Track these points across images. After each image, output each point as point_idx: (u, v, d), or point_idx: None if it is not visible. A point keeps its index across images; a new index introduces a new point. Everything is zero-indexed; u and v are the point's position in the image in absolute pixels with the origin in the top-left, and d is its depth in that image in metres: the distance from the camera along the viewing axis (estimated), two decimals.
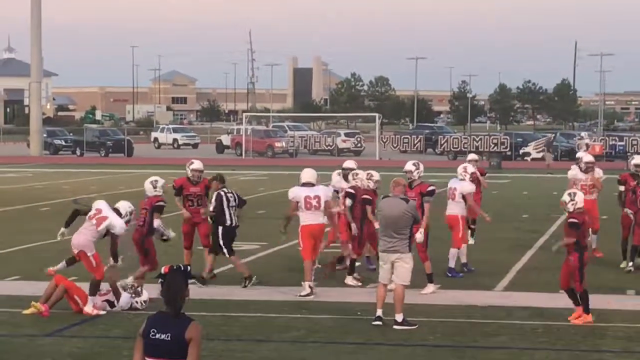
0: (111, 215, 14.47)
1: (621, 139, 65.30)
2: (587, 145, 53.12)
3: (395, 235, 13.28)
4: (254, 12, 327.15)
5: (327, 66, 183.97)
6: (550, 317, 13.98)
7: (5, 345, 12.29)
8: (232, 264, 16.53)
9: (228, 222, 16.37)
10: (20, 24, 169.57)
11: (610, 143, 63.34)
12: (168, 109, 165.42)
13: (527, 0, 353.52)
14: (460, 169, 18.43)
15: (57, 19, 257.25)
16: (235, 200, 16.55)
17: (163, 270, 6.63)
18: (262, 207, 29.95)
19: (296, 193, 15.84)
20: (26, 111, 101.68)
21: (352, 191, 16.76)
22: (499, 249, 20.50)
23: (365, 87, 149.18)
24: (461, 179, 18.11)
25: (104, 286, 14.46)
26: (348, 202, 16.77)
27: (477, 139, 66.99)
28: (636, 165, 18.88)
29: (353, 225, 16.66)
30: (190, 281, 6.70)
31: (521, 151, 64.13)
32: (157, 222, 15.24)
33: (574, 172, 19.97)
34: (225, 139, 74.14)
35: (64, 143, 72.72)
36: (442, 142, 67.98)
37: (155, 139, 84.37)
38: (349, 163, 18.11)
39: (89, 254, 14.23)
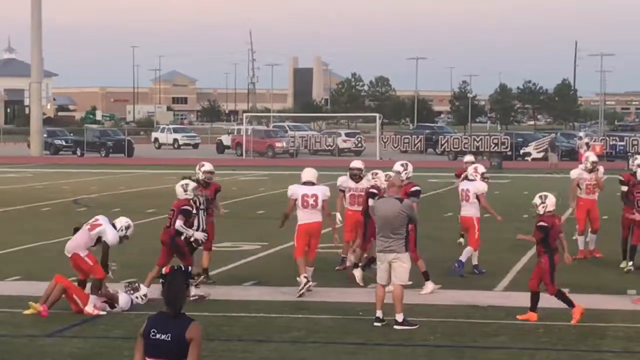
0: (106, 224, 14.54)
1: (621, 139, 65.30)
2: (588, 145, 53.14)
3: (391, 236, 13.30)
4: (254, 12, 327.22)
5: (327, 66, 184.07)
6: (550, 317, 13.98)
7: (5, 346, 12.29)
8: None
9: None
10: (20, 24, 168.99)
11: (611, 143, 63.33)
12: (168, 109, 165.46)
13: (528, 1, 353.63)
14: (471, 170, 18.49)
15: (58, 19, 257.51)
16: (203, 203, 16.56)
17: (164, 270, 6.65)
18: (263, 207, 29.96)
19: (294, 191, 15.92)
20: (26, 111, 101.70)
21: (375, 190, 16.69)
22: (499, 249, 20.49)
23: (366, 87, 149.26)
24: (472, 179, 18.13)
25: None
26: (371, 202, 16.70)
27: (478, 139, 67.01)
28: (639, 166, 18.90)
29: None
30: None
31: (522, 151, 64.14)
32: (178, 223, 15.17)
33: (578, 171, 19.98)
34: (226, 139, 74.16)
35: (64, 143, 72.76)
36: (443, 142, 68.00)
37: (156, 139, 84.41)
38: (357, 163, 17.98)
39: (82, 255, 14.26)
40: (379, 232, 13.57)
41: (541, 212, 13.98)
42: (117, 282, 15.02)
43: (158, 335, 6.51)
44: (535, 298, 13.86)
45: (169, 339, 6.49)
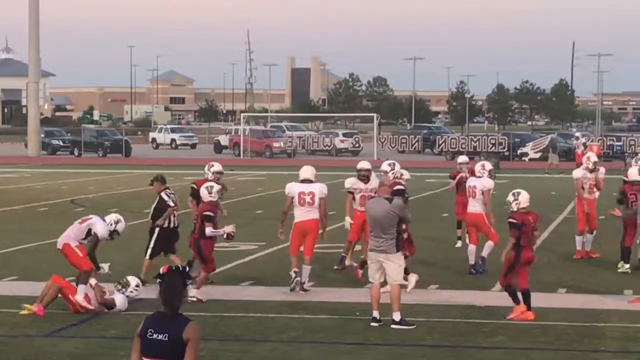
0: (96, 218, 14.72)
1: (619, 139, 65.34)
2: (585, 145, 53.16)
3: (382, 235, 13.33)
4: (251, 12, 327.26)
5: (325, 66, 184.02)
6: (547, 317, 13.99)
7: (3, 346, 12.29)
8: (144, 265, 16.18)
9: (166, 224, 16.43)
10: (18, 24, 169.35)
11: (608, 143, 63.37)
12: (166, 109, 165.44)
13: (525, 1, 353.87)
14: (478, 167, 18.58)
15: (55, 19, 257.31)
16: (175, 202, 16.59)
17: (161, 270, 6.64)
18: (261, 207, 29.98)
19: (291, 189, 15.97)
20: (24, 111, 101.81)
21: (402, 187, 16.67)
22: (496, 249, 20.46)
23: (363, 87, 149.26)
24: (479, 176, 18.19)
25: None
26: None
27: (475, 140, 67.07)
28: None
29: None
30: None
31: (519, 151, 64.19)
32: (208, 231, 15.15)
33: (582, 172, 19.97)
34: (224, 139, 74.15)
35: (61, 143, 72.72)
36: (440, 142, 68.05)
37: (153, 139, 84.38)
38: (364, 164, 17.86)
39: (72, 245, 14.40)
40: (370, 231, 13.63)
41: (514, 209, 14.02)
42: (111, 283, 15.01)
43: (155, 335, 6.51)
44: (524, 295, 13.85)
45: (166, 339, 6.48)
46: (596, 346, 12.40)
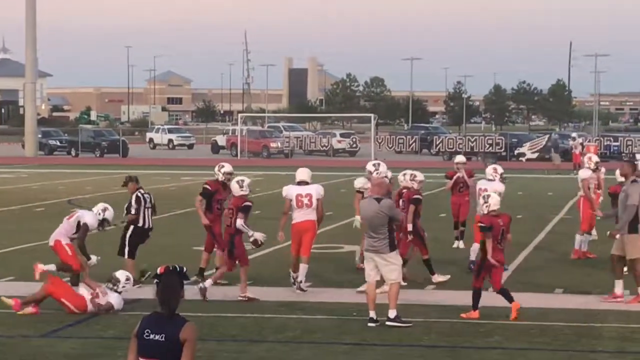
0: (82, 211, 15.12)
1: (616, 139, 65.43)
2: (582, 146, 53.23)
3: (374, 235, 13.36)
4: (249, 13, 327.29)
5: (322, 67, 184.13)
6: (545, 317, 14.00)
7: (0, 346, 12.28)
8: (126, 266, 16.00)
9: (141, 223, 16.43)
10: (15, 25, 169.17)
11: (605, 144, 63.44)
12: (163, 109, 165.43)
13: (523, 2, 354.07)
14: (490, 170, 18.71)
15: (52, 20, 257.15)
16: (150, 201, 16.59)
17: (158, 270, 6.62)
18: (258, 207, 29.92)
19: (288, 191, 16.05)
20: (21, 112, 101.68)
21: (419, 197, 16.74)
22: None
23: (361, 88, 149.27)
24: (490, 180, 18.26)
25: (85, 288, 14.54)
26: (412, 208, 16.71)
27: (472, 140, 67.09)
28: None
29: (409, 226, 16.57)
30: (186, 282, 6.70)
31: (516, 152, 64.24)
32: (239, 222, 15.14)
33: (589, 172, 19.98)
34: (221, 140, 74.16)
35: (58, 144, 72.69)
36: (437, 143, 68.06)
37: (151, 140, 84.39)
38: (370, 165, 17.85)
39: (63, 242, 14.64)
40: (366, 232, 13.67)
41: (485, 212, 14.06)
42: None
43: (152, 336, 6.50)
44: (504, 294, 13.92)
45: (163, 339, 6.47)
46: (594, 346, 12.40)
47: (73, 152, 69.61)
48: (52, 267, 15.12)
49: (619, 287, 15.10)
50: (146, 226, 16.47)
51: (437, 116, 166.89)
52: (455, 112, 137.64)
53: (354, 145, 70.65)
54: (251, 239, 15.36)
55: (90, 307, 14.13)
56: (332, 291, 15.95)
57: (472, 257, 17.85)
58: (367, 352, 12.13)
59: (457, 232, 21.14)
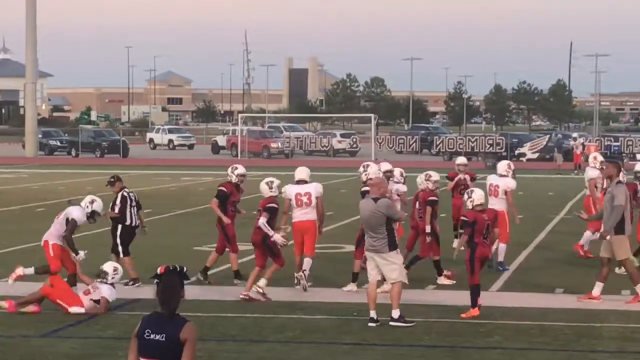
0: (70, 207, 15.21)
1: (616, 139, 65.43)
2: (583, 146, 53.26)
3: (372, 235, 13.37)
4: (249, 13, 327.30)
5: (322, 67, 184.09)
6: (545, 317, 14.00)
7: (1, 346, 12.28)
8: (124, 265, 16.06)
9: (128, 222, 16.54)
10: (15, 25, 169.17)
11: (606, 144, 63.44)
12: (163, 109, 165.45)
13: (523, 1, 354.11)
14: (504, 166, 18.71)
15: (53, 20, 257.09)
16: (135, 200, 16.68)
17: (159, 270, 6.62)
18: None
19: (287, 191, 16.14)
20: (21, 112, 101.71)
21: (435, 198, 16.76)
22: (493, 250, 20.51)
23: (361, 88, 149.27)
24: (501, 175, 18.33)
25: (82, 286, 14.55)
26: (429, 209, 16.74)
27: (473, 140, 67.08)
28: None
29: (427, 227, 16.60)
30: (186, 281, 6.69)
31: (516, 152, 64.23)
32: (261, 221, 15.14)
33: (596, 172, 19.99)
34: (221, 140, 74.16)
35: (59, 144, 72.70)
36: (438, 143, 68.05)
37: (151, 140, 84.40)
38: (386, 165, 17.84)
39: (50, 243, 14.82)
40: (365, 232, 13.70)
41: (469, 207, 14.13)
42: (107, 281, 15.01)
43: (152, 336, 6.50)
44: (474, 289, 14.01)
45: (163, 339, 6.47)
46: (594, 346, 12.40)
47: (73, 153, 69.61)
48: (30, 270, 15.23)
49: (598, 288, 15.12)
50: (133, 224, 16.71)
51: (437, 116, 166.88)
52: (456, 112, 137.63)
53: (355, 146, 70.64)
54: (272, 239, 15.32)
55: (87, 305, 14.13)
56: (332, 291, 15.95)
57: (500, 258, 17.90)
58: (368, 352, 12.12)
59: (457, 232, 21.12)
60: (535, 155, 63.35)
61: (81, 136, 71.22)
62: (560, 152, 55.84)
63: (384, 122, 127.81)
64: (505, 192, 18.06)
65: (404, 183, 17.79)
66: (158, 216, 27.66)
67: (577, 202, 30.66)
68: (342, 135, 73.70)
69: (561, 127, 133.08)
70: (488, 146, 64.88)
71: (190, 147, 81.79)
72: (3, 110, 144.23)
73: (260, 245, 15.17)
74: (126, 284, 15.92)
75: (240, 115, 79.75)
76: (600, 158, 20.36)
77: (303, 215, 15.94)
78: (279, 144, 69.18)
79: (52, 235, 14.96)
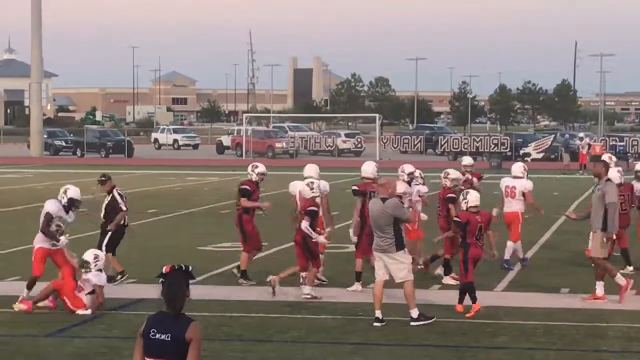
0: (47, 201, 15.36)
1: (621, 139, 65.37)
2: (589, 145, 53.22)
3: (381, 235, 13.39)
4: (254, 13, 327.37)
5: (327, 67, 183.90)
6: (550, 317, 13.99)
7: (6, 346, 12.30)
8: (108, 261, 16.12)
9: (121, 221, 16.51)
10: (20, 25, 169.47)
11: (611, 144, 63.39)
12: (168, 109, 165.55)
13: (528, 1, 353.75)
14: (520, 168, 18.96)
15: (58, 20, 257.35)
16: (124, 199, 16.70)
17: (164, 269, 6.61)
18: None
19: (294, 187, 16.14)
20: (26, 112, 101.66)
21: (454, 195, 16.75)
22: (499, 249, 20.46)
23: (366, 88, 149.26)
24: (516, 176, 18.60)
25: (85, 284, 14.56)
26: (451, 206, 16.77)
27: (478, 140, 67.09)
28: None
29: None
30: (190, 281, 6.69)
31: (521, 152, 64.20)
32: (304, 224, 15.17)
33: (612, 172, 19.94)
34: (226, 140, 74.20)
35: (64, 144, 72.79)
36: (442, 143, 68.04)
37: (156, 140, 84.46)
38: (409, 167, 17.78)
39: (35, 246, 14.82)
40: (373, 231, 13.70)
41: (464, 208, 14.17)
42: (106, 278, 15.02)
43: (158, 335, 6.49)
44: (469, 289, 14.04)
45: (169, 339, 6.47)
46: (599, 346, 12.39)
47: (78, 153, 69.69)
48: (25, 291, 14.93)
49: (600, 288, 15.09)
50: (125, 223, 16.79)
51: (442, 116, 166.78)
52: (461, 112, 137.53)
53: (359, 146, 70.64)
54: (313, 239, 15.31)
55: (87, 302, 14.16)
56: (337, 291, 15.95)
57: (506, 255, 17.96)
58: (373, 352, 12.12)
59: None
60: (540, 155, 63.30)
61: (86, 136, 71.30)
62: (568, 152, 55.87)
63: (388, 122, 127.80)
64: (523, 194, 18.25)
65: (423, 184, 17.87)
66: (163, 216, 27.68)
67: (583, 202, 30.64)
68: (346, 135, 73.70)
69: (566, 127, 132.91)
70: (493, 146, 64.86)
71: (195, 147, 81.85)
72: (8, 111, 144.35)
73: (301, 244, 15.24)
74: (115, 280, 15.96)
75: (245, 115, 79.76)
76: (614, 158, 20.38)
77: None
78: (284, 144, 69.20)
79: (39, 239, 14.92)
